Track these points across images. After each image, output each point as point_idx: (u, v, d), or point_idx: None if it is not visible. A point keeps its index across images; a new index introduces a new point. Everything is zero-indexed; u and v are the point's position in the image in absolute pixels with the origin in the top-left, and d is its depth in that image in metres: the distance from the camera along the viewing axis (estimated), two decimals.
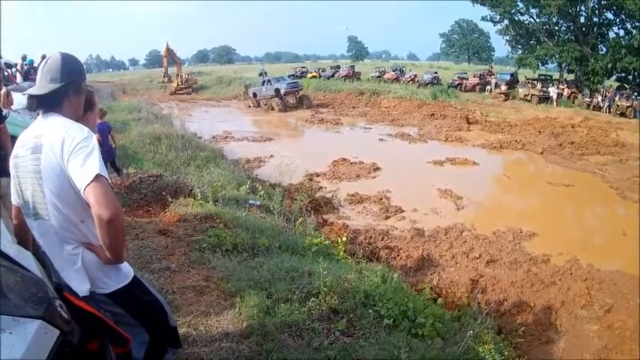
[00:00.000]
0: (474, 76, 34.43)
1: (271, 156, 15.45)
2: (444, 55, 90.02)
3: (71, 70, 1.92)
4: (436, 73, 37.49)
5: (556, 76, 32.54)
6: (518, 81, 31.88)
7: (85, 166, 1.69)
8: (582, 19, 29.21)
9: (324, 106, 31.23)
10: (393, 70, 40.72)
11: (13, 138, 2.15)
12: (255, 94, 32.18)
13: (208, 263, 4.48)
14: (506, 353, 4.28)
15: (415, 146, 19.42)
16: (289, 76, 36.63)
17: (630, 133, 19.63)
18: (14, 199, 1.96)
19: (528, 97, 28.28)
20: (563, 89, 28.03)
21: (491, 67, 45.42)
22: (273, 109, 29.83)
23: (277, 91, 29.87)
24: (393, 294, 4.09)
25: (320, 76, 42.79)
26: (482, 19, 34.29)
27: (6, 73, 11.53)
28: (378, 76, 39.54)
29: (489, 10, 32.47)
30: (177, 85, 42.44)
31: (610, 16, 28.34)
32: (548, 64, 33.54)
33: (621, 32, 28.05)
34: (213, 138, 19.10)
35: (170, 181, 7.92)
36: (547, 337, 6.14)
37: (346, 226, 9.43)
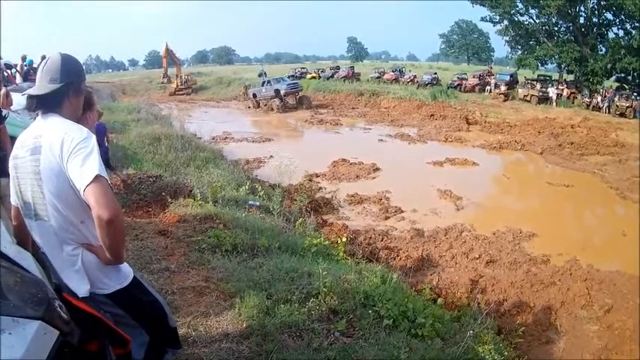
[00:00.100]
0: (474, 77, 34.50)
1: (271, 157, 15.45)
2: (443, 55, 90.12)
3: (71, 70, 1.92)
4: (435, 73, 37.55)
5: (555, 76, 32.64)
6: (517, 81, 31.93)
7: (85, 166, 1.69)
8: (582, 20, 29.29)
9: (324, 107, 31.25)
10: (393, 71, 40.82)
11: (13, 138, 2.15)
12: (254, 95, 32.20)
13: (208, 264, 4.47)
14: (506, 353, 4.28)
15: (415, 147, 19.44)
16: (289, 77, 36.62)
17: (630, 133, 19.65)
18: (13, 200, 1.95)
19: (528, 98, 28.32)
20: (562, 90, 28.07)
21: (491, 68, 45.48)
22: (272, 109, 29.85)
23: (277, 91, 29.88)
24: (393, 294, 4.09)
25: (319, 77, 42.83)
26: (482, 19, 34.52)
27: (5, 74, 11.51)
28: (378, 77, 39.59)
29: (489, 10, 32.59)
30: (177, 85, 42.46)
31: (609, 16, 28.47)
32: (547, 64, 33.68)
33: (621, 33, 28.22)
34: (213, 139, 19.12)
35: (170, 182, 7.90)
36: (547, 337, 6.15)
37: (346, 227, 9.44)
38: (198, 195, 6.88)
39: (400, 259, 8.16)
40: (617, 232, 9.68)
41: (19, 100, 4.30)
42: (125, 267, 2.02)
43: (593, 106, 25.83)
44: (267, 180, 12.24)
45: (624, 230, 9.65)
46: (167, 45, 42.47)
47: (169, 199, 6.76)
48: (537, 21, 31.11)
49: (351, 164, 15.08)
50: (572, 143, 18.42)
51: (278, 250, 5.30)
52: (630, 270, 7.50)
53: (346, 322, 3.52)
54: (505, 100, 29.11)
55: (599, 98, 25.97)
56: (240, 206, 7.38)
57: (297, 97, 31.51)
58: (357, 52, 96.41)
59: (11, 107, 4.67)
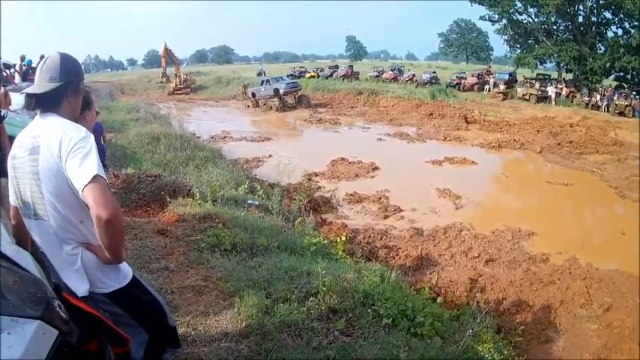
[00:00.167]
0: (473, 76, 34.51)
1: (270, 156, 15.44)
2: (442, 54, 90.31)
3: (70, 69, 1.92)
4: (434, 72, 37.56)
5: (554, 75, 32.61)
6: (516, 80, 31.95)
7: (83, 166, 1.69)
8: (581, 19, 29.29)
9: (323, 106, 31.24)
10: (392, 70, 40.84)
11: (12, 138, 2.15)
12: (254, 94, 32.22)
13: (207, 263, 4.47)
14: (505, 352, 4.28)
15: (414, 146, 19.43)
16: (288, 76, 36.65)
17: (629, 132, 19.66)
18: (12, 200, 1.95)
19: (527, 97, 28.33)
20: (561, 88, 28.06)
21: (490, 67, 45.61)
22: (271, 108, 29.85)
23: (276, 91, 29.86)
24: (392, 293, 4.09)
25: (318, 76, 42.91)
26: (481, 18, 34.46)
27: (4, 74, 11.49)
28: (377, 76, 39.62)
29: (488, 9, 32.54)
30: (176, 85, 42.43)
31: (608, 15, 28.46)
32: (546, 63, 33.72)
33: (620, 31, 28.19)
34: (212, 138, 19.12)
35: (169, 181, 7.89)
36: (546, 336, 6.15)
37: (345, 226, 9.44)
38: (197, 194, 6.88)
39: (399, 258, 8.16)
40: (616, 231, 9.68)
41: (17, 99, 4.29)
42: (124, 266, 2.02)
43: (592, 105, 25.84)
44: (267, 179, 12.22)
45: (623, 229, 9.64)
46: (166, 44, 42.52)
47: (168, 199, 6.75)
48: (536, 20, 31.11)
49: (350, 163, 15.08)
50: (571, 142, 18.42)
51: (277, 249, 5.31)
52: (629, 269, 7.51)
53: (345, 321, 3.52)
54: (504, 99, 29.12)
55: (598, 97, 25.97)
56: (240, 205, 7.38)
57: (296, 96, 31.53)
58: (356, 51, 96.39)
59: (10, 107, 4.66)
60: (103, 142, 8.37)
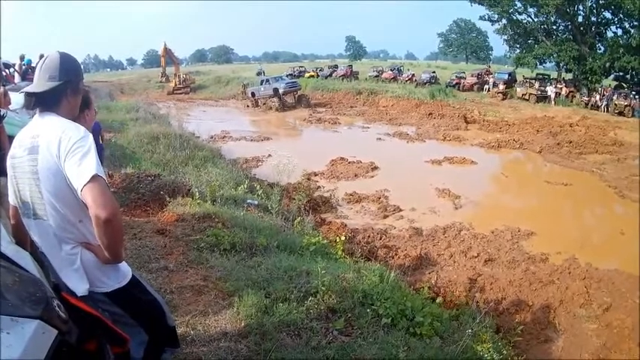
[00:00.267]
0: (472, 76, 34.54)
1: (269, 155, 15.45)
2: (442, 54, 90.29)
3: (69, 68, 1.92)
4: (434, 72, 37.59)
5: (554, 75, 32.63)
6: (516, 80, 31.93)
7: (82, 166, 1.69)
8: (580, 19, 29.28)
9: (322, 106, 31.23)
10: (391, 70, 40.83)
11: (11, 138, 2.15)
12: (253, 94, 32.20)
13: (206, 263, 4.47)
14: (504, 352, 4.29)
15: (413, 145, 19.43)
16: (287, 76, 36.60)
17: (628, 132, 19.66)
18: (12, 199, 1.95)
19: (526, 97, 28.35)
20: (561, 88, 28.08)
21: (489, 67, 45.63)
22: (271, 108, 29.85)
23: (276, 90, 29.85)
24: (391, 293, 4.09)
25: (318, 76, 42.90)
26: (481, 18, 34.42)
27: (4, 73, 11.48)
28: (376, 76, 39.64)
29: (487, 9, 32.52)
30: (175, 84, 42.41)
31: (608, 15, 28.43)
32: (546, 63, 33.71)
33: (619, 31, 28.17)
34: (211, 137, 19.11)
35: (168, 181, 7.89)
36: (546, 335, 6.15)
37: (344, 226, 9.44)
38: (197, 194, 6.89)
39: (399, 257, 8.16)
40: (616, 231, 9.68)
41: (17, 99, 4.29)
42: (124, 266, 2.02)
43: (592, 105, 25.86)
44: (266, 179, 12.22)
45: (623, 229, 9.65)
46: (165, 44, 42.49)
47: (168, 198, 6.75)
48: (536, 20, 31.09)
49: (349, 163, 15.07)
50: (570, 142, 18.42)
51: (276, 248, 5.31)
52: (629, 269, 7.51)
53: (344, 320, 3.52)
54: (503, 99, 29.13)
55: (598, 97, 25.97)
56: (239, 205, 7.37)
57: (296, 95, 31.51)
58: (356, 50, 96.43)
59: (9, 106, 4.65)
60: (101, 142, 8.36)
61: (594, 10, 28.35)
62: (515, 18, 31.73)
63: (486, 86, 32.18)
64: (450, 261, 8.23)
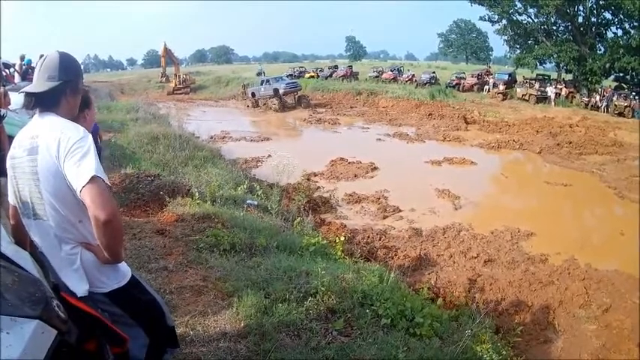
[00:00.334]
0: (472, 76, 34.49)
1: (269, 156, 15.41)
2: (442, 55, 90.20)
3: (69, 68, 1.92)
4: (434, 72, 37.51)
5: (554, 75, 32.62)
6: (516, 81, 31.94)
7: (81, 167, 1.69)
8: (580, 19, 29.26)
9: (322, 106, 31.22)
10: (391, 70, 40.78)
11: (11, 138, 2.15)
12: (253, 94, 32.22)
13: (206, 263, 4.47)
14: (504, 353, 4.29)
15: (413, 146, 19.42)
16: (287, 76, 36.56)
17: (628, 132, 19.67)
18: (11, 200, 1.95)
19: (526, 97, 28.32)
20: (561, 89, 28.08)
21: (489, 67, 45.57)
22: (271, 109, 29.84)
23: (276, 91, 29.85)
24: (391, 294, 4.10)
25: (318, 76, 42.82)
26: (481, 18, 34.36)
27: (4, 73, 11.48)
28: (376, 76, 39.57)
29: (487, 9, 32.51)
30: (175, 85, 42.40)
31: (608, 15, 28.41)
32: (546, 63, 33.71)
33: (619, 32, 28.13)
34: (211, 138, 19.08)
35: (168, 181, 7.88)
36: (545, 336, 6.16)
37: (344, 226, 9.45)
38: (197, 194, 6.88)
39: (398, 258, 8.17)
40: (616, 232, 9.69)
41: (17, 99, 4.29)
42: (123, 266, 2.02)
43: (592, 106, 25.88)
44: (266, 179, 12.22)
45: (622, 230, 9.65)
46: (165, 44, 42.45)
47: (167, 199, 6.74)
48: (536, 20, 31.08)
49: (349, 163, 15.08)
50: (570, 142, 18.42)
51: (276, 249, 5.31)
52: (628, 269, 7.52)
53: (344, 321, 3.53)
54: (503, 100, 29.11)
55: (598, 97, 26.00)
56: (239, 205, 7.37)
57: (296, 96, 31.48)
58: (356, 51, 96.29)
59: (9, 107, 4.65)
60: (99, 142, 8.36)
61: (594, 11, 28.34)
62: (515, 18, 31.74)
63: (486, 87, 32.15)
64: (449, 261, 8.23)
